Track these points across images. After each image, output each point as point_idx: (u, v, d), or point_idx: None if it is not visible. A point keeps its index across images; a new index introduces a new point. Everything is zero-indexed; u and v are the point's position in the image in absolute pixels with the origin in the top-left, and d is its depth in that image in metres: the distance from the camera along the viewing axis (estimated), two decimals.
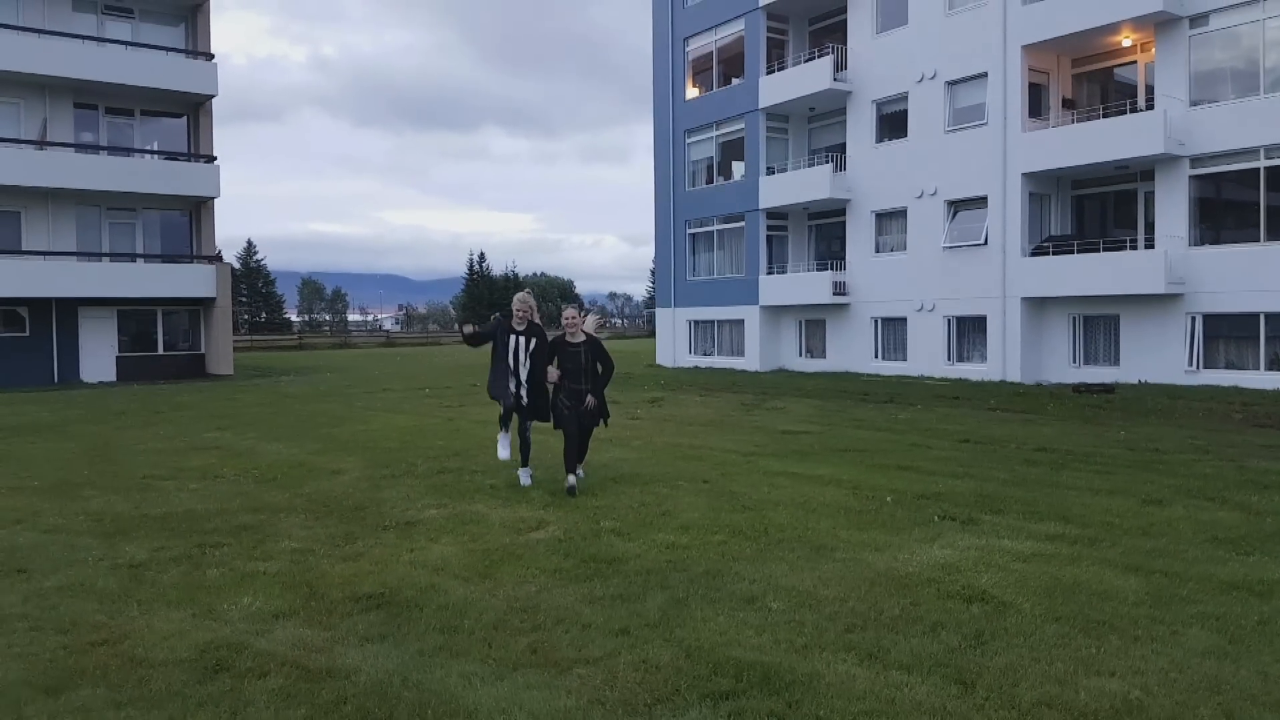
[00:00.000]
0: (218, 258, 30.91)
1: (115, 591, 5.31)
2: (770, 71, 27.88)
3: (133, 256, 29.43)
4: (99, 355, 28.72)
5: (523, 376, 8.10)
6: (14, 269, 26.54)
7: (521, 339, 8.08)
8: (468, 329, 8.27)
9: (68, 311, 28.13)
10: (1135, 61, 21.24)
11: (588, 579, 5.40)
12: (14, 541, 6.62)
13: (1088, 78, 22.51)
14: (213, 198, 29.99)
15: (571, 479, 8.00)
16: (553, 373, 8.07)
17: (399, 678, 3.97)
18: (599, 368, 8.21)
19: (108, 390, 24.94)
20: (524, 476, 8.47)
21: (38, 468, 10.29)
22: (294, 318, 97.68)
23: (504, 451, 8.39)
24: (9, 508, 7.89)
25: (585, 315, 8.58)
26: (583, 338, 8.14)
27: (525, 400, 8.13)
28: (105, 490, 8.72)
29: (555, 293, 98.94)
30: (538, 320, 8.32)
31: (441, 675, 4.01)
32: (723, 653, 4.20)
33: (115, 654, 4.28)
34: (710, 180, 30.79)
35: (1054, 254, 21.24)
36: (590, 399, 8.10)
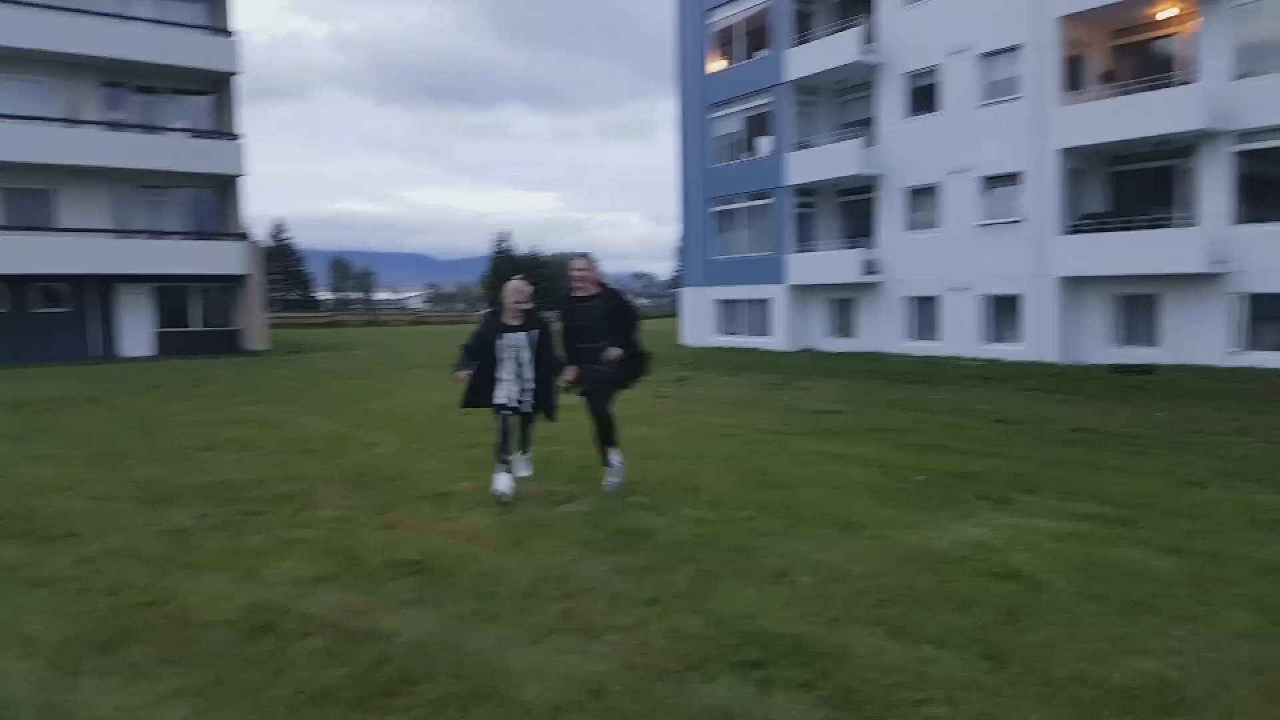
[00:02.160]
0: (247, 235, 31.26)
1: (161, 556, 5.46)
2: (797, 43, 27.54)
3: (165, 234, 29.83)
4: (138, 330, 29.25)
5: (527, 379, 6.84)
6: (52, 246, 27.03)
7: (520, 335, 6.82)
8: (463, 373, 6.77)
9: (106, 288, 28.63)
10: (1177, 33, 20.73)
11: (617, 551, 5.45)
12: (63, 508, 6.80)
13: (1127, 50, 22.00)
14: (240, 175, 30.29)
15: (615, 459, 7.07)
16: (570, 372, 6.94)
17: (436, 640, 4.07)
18: (619, 322, 6.97)
19: (147, 364, 25.40)
20: (521, 466, 7.17)
21: (83, 438, 10.53)
22: (324, 296, 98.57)
23: (503, 485, 6.81)
24: (58, 476, 8.10)
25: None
26: (595, 290, 6.96)
27: (531, 404, 6.93)
28: (148, 460, 8.92)
29: None
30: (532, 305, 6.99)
31: (477, 638, 4.10)
32: (751, 624, 4.24)
33: (163, 614, 4.42)
34: (736, 156, 30.54)
35: (1091, 232, 20.90)
36: (612, 350, 6.82)
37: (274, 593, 4.74)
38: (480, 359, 6.77)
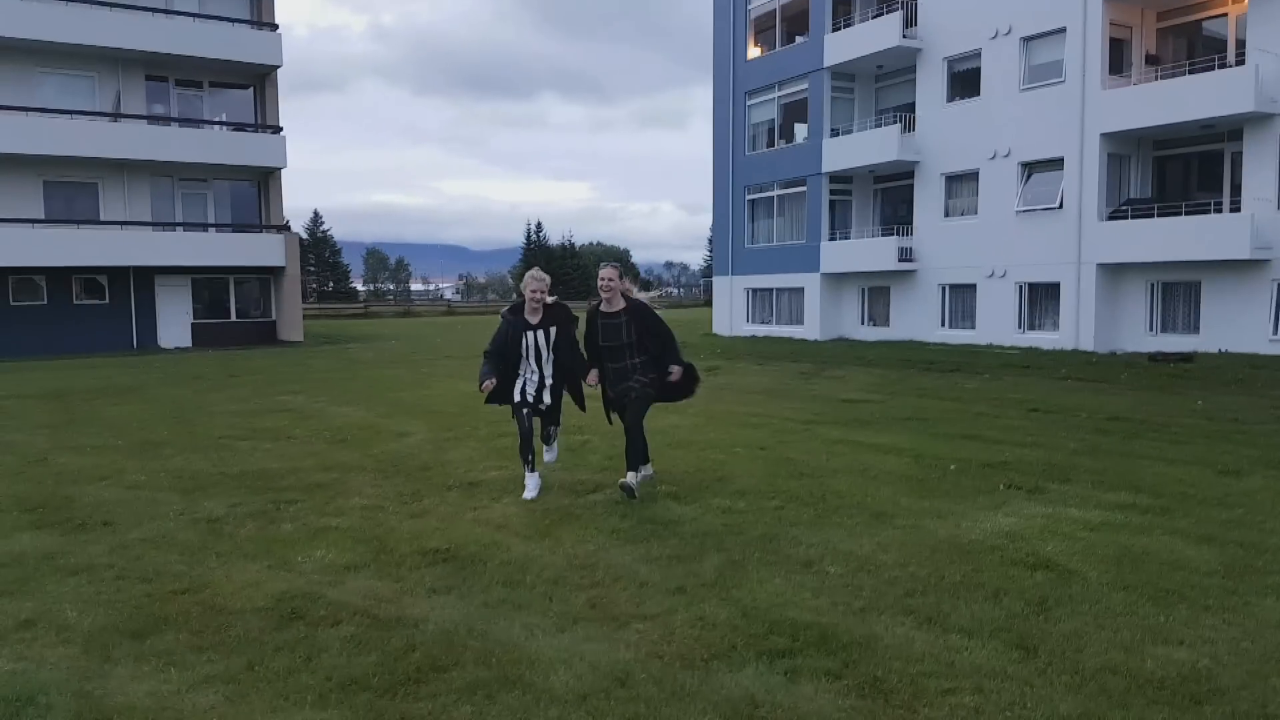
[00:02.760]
0: (286, 227, 31.65)
1: (195, 544, 5.55)
2: (836, 29, 27.22)
3: (205, 226, 30.31)
4: (175, 322, 29.77)
5: (548, 376, 6.57)
6: (93, 238, 27.58)
7: (540, 334, 6.48)
8: (487, 383, 6.50)
9: (145, 279, 29.16)
10: (1225, 14, 20.21)
11: (645, 540, 5.45)
12: (100, 496, 6.94)
13: (1173, 32, 21.51)
14: (280, 168, 30.65)
15: (630, 476, 6.45)
16: (592, 377, 6.59)
17: (465, 628, 4.10)
18: (650, 341, 6.52)
19: (184, 355, 25.86)
20: (547, 452, 7.01)
21: (121, 428, 10.74)
22: (360, 287, 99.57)
23: (530, 491, 6.63)
24: (95, 465, 8.27)
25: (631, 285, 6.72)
26: (623, 304, 6.50)
27: (550, 402, 6.67)
28: (184, 449, 9.07)
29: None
30: (549, 298, 6.60)
31: (505, 626, 4.12)
32: (779, 613, 4.22)
33: (196, 602, 4.49)
34: (771, 144, 30.30)
35: (1132, 218, 20.49)
36: (674, 369, 6.52)
37: (305, 580, 4.80)
38: (503, 361, 6.53)
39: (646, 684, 3.50)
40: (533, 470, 6.69)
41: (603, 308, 6.52)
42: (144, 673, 3.68)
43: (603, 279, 6.49)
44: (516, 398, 6.59)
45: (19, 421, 11.62)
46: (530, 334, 6.49)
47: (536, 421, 6.76)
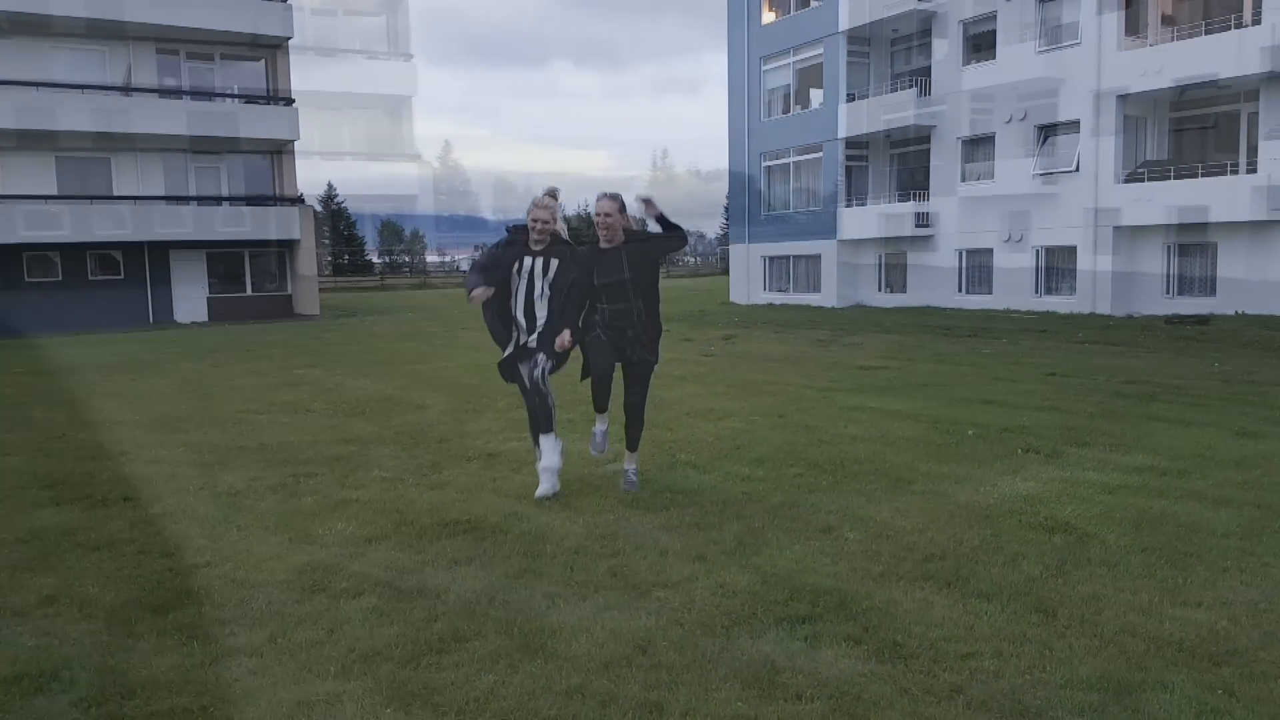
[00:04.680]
0: (300, 200, 31.59)
1: (216, 518, 5.59)
2: None
3: (219, 200, 30.28)
4: (191, 296, 29.84)
5: (539, 317, 5.60)
6: (107, 213, 27.57)
7: (538, 261, 5.55)
8: (479, 290, 5.52)
9: (160, 254, 29.20)
10: None
11: (664, 509, 5.47)
12: (120, 471, 6.99)
13: None
14: (293, 140, 30.54)
15: (630, 462, 5.93)
16: (565, 337, 5.55)
17: (486, 597, 4.12)
18: (655, 265, 5.68)
19: (200, 330, 25.98)
20: (548, 453, 5.80)
21: (139, 403, 10.82)
22: (375, 260, 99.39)
23: (553, 465, 5.86)
24: (114, 440, 8.33)
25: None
26: (622, 238, 5.58)
27: (538, 348, 5.67)
28: (202, 424, 9.13)
29: None
30: (561, 231, 5.68)
31: (526, 595, 4.15)
32: (799, 579, 4.24)
33: (218, 575, 4.52)
34: (787, 109, 30.02)
35: (1149, 180, 20.23)
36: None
37: (326, 553, 4.84)
38: (495, 281, 5.57)
39: (668, 651, 3.52)
40: (555, 439, 5.87)
41: (602, 244, 5.63)
42: (167, 646, 3.70)
43: (599, 213, 5.54)
44: (506, 363, 5.83)
45: (37, 398, 11.73)
46: (529, 259, 5.58)
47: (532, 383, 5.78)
